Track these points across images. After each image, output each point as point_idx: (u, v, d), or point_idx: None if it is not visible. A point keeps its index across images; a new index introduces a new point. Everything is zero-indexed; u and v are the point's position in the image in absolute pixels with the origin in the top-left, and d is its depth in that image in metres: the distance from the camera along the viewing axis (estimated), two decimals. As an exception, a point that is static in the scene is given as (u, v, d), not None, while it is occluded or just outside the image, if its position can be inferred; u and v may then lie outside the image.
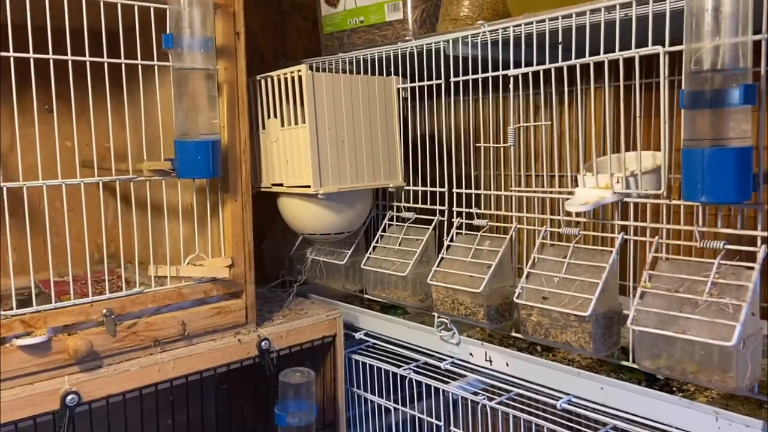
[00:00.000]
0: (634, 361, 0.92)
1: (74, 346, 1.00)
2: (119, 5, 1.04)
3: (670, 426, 0.89)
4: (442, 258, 1.16)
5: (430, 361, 1.30)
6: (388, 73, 1.32)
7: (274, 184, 1.26)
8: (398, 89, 1.30)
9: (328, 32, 1.52)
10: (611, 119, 0.92)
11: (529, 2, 1.13)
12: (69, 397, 1.00)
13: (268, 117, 1.24)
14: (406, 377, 1.30)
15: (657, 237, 0.90)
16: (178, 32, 1.06)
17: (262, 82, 1.24)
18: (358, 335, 1.43)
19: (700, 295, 0.81)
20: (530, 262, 1.02)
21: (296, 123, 1.18)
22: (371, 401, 1.39)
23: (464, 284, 1.08)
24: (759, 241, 0.81)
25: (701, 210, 0.86)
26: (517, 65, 1.07)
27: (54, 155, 1.02)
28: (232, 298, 1.23)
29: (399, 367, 1.32)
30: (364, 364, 1.39)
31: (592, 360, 1.05)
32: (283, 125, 1.20)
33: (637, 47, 0.89)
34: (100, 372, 1.04)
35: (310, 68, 1.42)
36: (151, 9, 1.07)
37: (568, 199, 0.97)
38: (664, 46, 0.86)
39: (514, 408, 1.10)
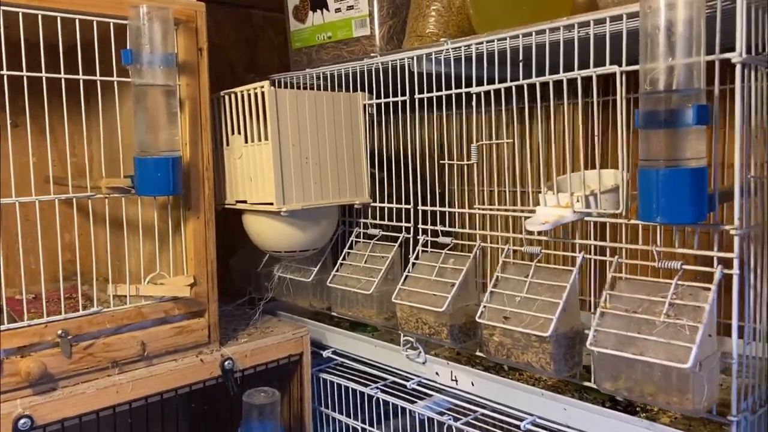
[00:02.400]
0: (594, 382, 0.91)
1: (27, 368, 0.97)
2: (77, 21, 1.03)
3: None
4: (406, 276, 1.15)
5: (397, 380, 1.29)
6: (356, 89, 1.31)
7: (238, 201, 1.24)
8: (364, 105, 1.29)
9: (296, 47, 1.51)
10: (569, 138, 0.91)
11: (493, 20, 1.13)
12: (21, 421, 0.97)
13: (232, 133, 1.23)
14: (373, 396, 1.29)
15: (616, 257, 0.90)
16: (137, 48, 1.04)
17: (226, 98, 1.23)
18: (325, 353, 1.41)
19: (657, 316, 0.81)
20: (492, 281, 1.01)
21: (260, 140, 1.16)
22: (339, 421, 1.37)
23: (428, 303, 1.07)
24: (715, 262, 0.81)
25: (659, 230, 0.86)
26: (480, 82, 1.06)
27: (14, 171, 1.00)
28: (195, 317, 1.20)
29: (366, 386, 1.31)
30: (331, 383, 1.37)
31: (557, 380, 1.04)
32: (246, 142, 1.19)
33: (596, 66, 0.89)
34: (54, 395, 1.02)
35: (278, 84, 1.41)
36: (111, 24, 1.06)
37: (529, 217, 0.96)
38: (621, 65, 0.86)
39: (480, 429, 1.09)
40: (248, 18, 1.81)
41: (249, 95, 1.17)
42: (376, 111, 1.30)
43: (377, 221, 1.29)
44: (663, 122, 0.77)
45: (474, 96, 1.07)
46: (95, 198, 1.08)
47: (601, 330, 0.85)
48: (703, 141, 0.76)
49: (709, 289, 0.80)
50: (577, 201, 0.91)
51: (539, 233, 0.98)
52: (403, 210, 1.23)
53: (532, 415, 1.02)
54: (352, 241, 1.32)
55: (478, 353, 1.09)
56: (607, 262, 0.92)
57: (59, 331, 1.03)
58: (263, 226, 1.21)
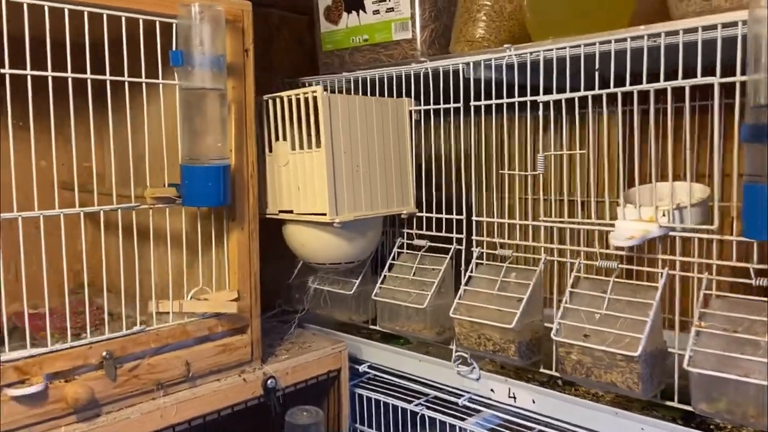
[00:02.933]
0: (678, 401, 0.88)
1: (74, 394, 0.90)
2: (105, 16, 0.94)
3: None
4: (464, 290, 1.10)
5: (441, 395, 1.24)
6: (391, 94, 1.26)
7: (281, 211, 1.18)
8: (410, 111, 1.24)
9: (327, 50, 1.45)
10: (655, 148, 0.88)
11: (552, 27, 1.09)
12: (65, 452, 0.90)
13: (276, 139, 1.17)
14: (417, 413, 1.24)
15: (707, 273, 0.87)
16: (187, 48, 0.98)
17: (269, 102, 1.16)
18: (362, 368, 1.36)
19: (762, 336, 0.78)
20: (565, 297, 0.97)
21: (310, 147, 1.10)
22: (378, 439, 1.32)
23: (494, 319, 1.03)
24: (821, 281, 0.79)
25: (756, 247, 0.83)
26: (525, 90, 1.03)
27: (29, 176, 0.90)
28: (237, 333, 1.14)
29: (409, 402, 1.26)
30: (369, 398, 1.32)
31: (616, 396, 1.01)
32: (294, 149, 1.13)
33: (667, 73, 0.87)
34: (98, 422, 0.94)
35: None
36: (140, 21, 0.98)
37: (608, 231, 0.93)
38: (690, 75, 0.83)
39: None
40: (266, 17, 1.74)
41: (298, 100, 1.11)
42: (423, 117, 1.25)
43: (423, 231, 1.24)
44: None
45: (541, 105, 1.03)
46: (140, 209, 1.01)
47: (698, 350, 0.81)
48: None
49: (814, 308, 0.77)
50: (663, 215, 0.88)
51: (616, 248, 0.95)
52: (454, 221, 1.19)
53: (598, 433, 0.99)
54: (394, 252, 1.27)
55: (542, 370, 1.06)
56: (694, 279, 0.89)
57: (104, 353, 0.96)
58: (309, 238, 1.16)
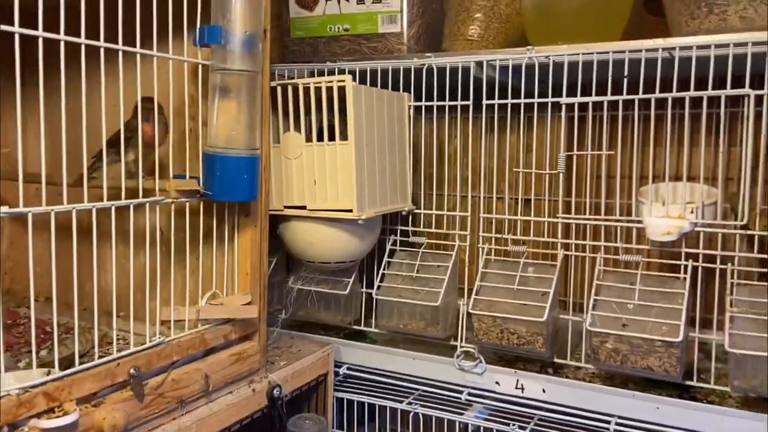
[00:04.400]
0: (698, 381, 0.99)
1: (112, 420, 0.76)
2: None
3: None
4: (480, 286, 1.11)
5: (432, 391, 1.24)
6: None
7: (288, 207, 1.10)
8: (409, 107, 1.22)
9: (298, 36, 1.38)
10: (686, 149, 0.97)
11: (554, 33, 1.14)
12: (96, 489, 0.76)
13: (287, 130, 1.08)
14: (410, 412, 1.23)
15: (729, 264, 0.97)
16: (226, 24, 0.87)
17: (279, 90, 1.08)
18: (341, 370, 1.31)
19: (791, 318, 0.89)
20: (593, 289, 1.03)
21: (330, 139, 1.04)
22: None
23: (519, 313, 1.05)
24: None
25: (771, 240, 0.95)
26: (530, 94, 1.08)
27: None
28: (244, 340, 1.04)
29: (400, 401, 1.24)
30: (350, 401, 1.28)
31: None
32: (310, 140, 1.06)
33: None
34: (125, 449, 0.81)
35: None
36: None
37: (637, 226, 1.00)
38: (748, 86, 0.94)
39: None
40: None
41: (318, 89, 1.04)
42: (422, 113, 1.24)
43: (420, 228, 1.24)
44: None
45: (563, 106, 1.08)
46: (164, 203, 0.88)
47: (736, 333, 0.91)
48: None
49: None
50: (691, 212, 0.97)
51: (653, 242, 1.01)
52: (458, 218, 1.19)
53: (612, 416, 1.06)
54: (388, 250, 1.24)
55: (567, 362, 1.10)
56: (717, 270, 0.99)
57: (131, 369, 0.82)
58: (322, 235, 1.09)
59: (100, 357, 0.79)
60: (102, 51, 0.76)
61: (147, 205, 0.85)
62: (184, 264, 0.98)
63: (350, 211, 1.03)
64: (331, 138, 1.05)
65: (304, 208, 1.08)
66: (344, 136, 1.03)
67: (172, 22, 0.85)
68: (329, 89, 1.04)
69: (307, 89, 1.05)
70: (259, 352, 1.05)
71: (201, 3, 0.89)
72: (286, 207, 1.10)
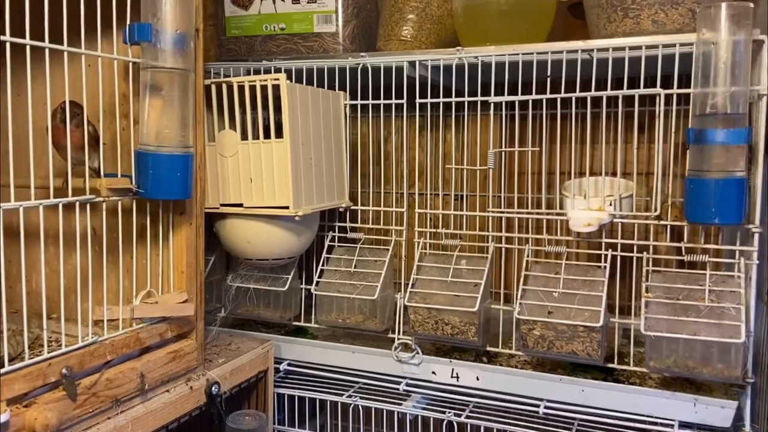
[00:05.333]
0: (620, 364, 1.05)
1: (43, 420, 0.76)
2: None
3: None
4: (416, 279, 1.15)
5: (371, 383, 1.26)
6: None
7: (224, 205, 1.10)
8: (345, 105, 1.24)
9: (233, 35, 1.38)
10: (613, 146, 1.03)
11: (483, 35, 1.18)
12: (27, 490, 0.75)
13: (222, 128, 1.09)
14: (350, 405, 1.25)
15: (644, 253, 1.04)
16: (156, 23, 0.88)
17: (213, 88, 1.08)
18: (281, 366, 1.32)
19: (701, 302, 0.96)
20: (522, 280, 1.08)
21: (266, 137, 1.05)
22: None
23: (452, 304, 1.09)
24: (737, 254, 0.99)
25: (685, 229, 1.02)
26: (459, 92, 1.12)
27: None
28: (181, 338, 1.05)
29: (340, 395, 1.26)
30: (291, 396, 1.30)
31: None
32: (245, 138, 1.07)
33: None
34: (58, 450, 0.81)
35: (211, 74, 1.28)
36: None
37: (559, 219, 1.05)
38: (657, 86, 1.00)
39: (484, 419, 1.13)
40: None
41: (252, 87, 1.05)
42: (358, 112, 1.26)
43: (358, 225, 1.26)
44: (715, 139, 0.92)
45: (492, 105, 1.12)
46: (95, 201, 0.87)
47: (651, 317, 0.97)
48: (744, 156, 0.93)
49: (732, 276, 0.97)
50: (610, 205, 1.03)
51: (577, 234, 1.07)
52: (393, 213, 1.23)
53: (542, 399, 1.11)
54: (327, 246, 1.27)
55: (500, 350, 1.14)
56: (634, 258, 1.05)
57: (63, 369, 0.82)
58: (257, 232, 1.10)
59: (30, 358, 0.79)
60: (28, 49, 0.75)
61: (77, 204, 0.84)
62: (118, 264, 0.98)
63: (287, 208, 1.05)
64: (267, 136, 1.06)
65: (240, 205, 1.09)
66: (280, 134, 1.04)
67: (100, 20, 0.85)
68: (263, 88, 1.05)
69: (241, 88, 1.06)
70: (196, 349, 1.06)
71: (130, 1, 0.89)
72: (222, 205, 1.11)
